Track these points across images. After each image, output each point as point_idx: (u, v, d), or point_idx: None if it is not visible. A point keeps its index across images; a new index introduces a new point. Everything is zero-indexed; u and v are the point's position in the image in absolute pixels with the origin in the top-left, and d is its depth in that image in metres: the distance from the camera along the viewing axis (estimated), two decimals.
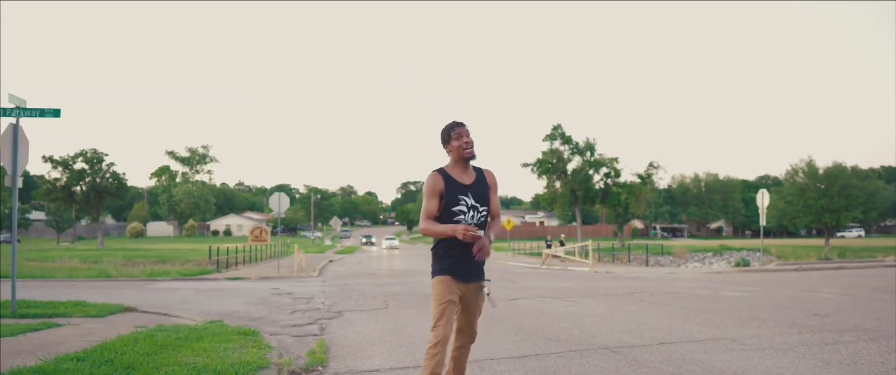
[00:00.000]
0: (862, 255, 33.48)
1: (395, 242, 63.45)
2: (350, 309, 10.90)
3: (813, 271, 22.47)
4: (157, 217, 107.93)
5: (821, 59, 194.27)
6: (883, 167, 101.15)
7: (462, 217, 3.81)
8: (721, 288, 14.67)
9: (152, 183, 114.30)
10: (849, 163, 53.72)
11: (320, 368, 5.87)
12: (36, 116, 9.73)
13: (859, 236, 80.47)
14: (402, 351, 6.66)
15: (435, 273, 3.93)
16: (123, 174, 58.13)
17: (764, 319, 8.69)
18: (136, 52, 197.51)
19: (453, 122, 3.89)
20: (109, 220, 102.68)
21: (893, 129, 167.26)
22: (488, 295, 3.99)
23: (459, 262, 3.86)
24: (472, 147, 3.88)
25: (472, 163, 3.97)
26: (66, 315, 9.05)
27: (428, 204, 3.84)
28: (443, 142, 3.92)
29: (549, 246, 34.71)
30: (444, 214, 3.83)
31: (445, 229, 3.70)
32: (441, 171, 3.88)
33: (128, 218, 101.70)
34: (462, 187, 3.85)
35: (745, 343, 6.74)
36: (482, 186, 3.94)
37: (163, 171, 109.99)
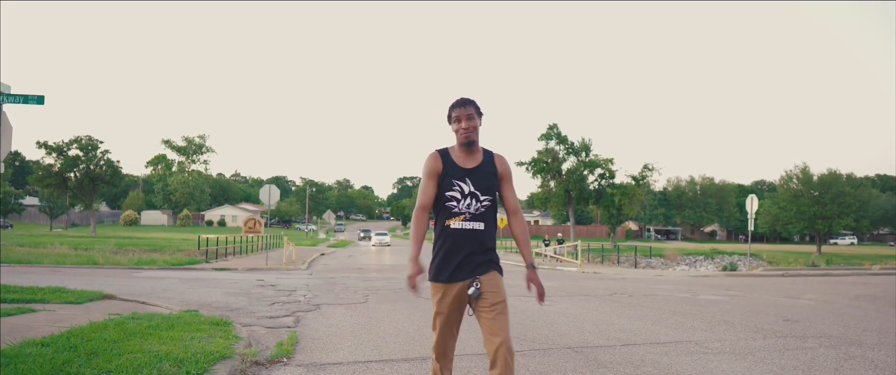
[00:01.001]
0: (852, 262, 33.67)
1: (387, 238, 55.42)
2: (329, 303, 10.97)
3: (798, 277, 22.59)
4: (151, 206, 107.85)
5: (820, 67, 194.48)
6: (878, 175, 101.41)
7: (455, 205, 3.39)
8: (702, 291, 14.77)
9: (148, 171, 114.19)
10: (844, 170, 53.94)
11: (285, 360, 5.95)
12: (19, 103, 9.75)
13: (852, 243, 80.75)
14: (369, 346, 6.74)
15: (432, 275, 3.50)
16: (118, 162, 58.05)
17: (733, 323, 8.78)
18: (136, 40, 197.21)
19: (456, 101, 3.49)
20: (104, 208, 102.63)
21: (889, 138, 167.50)
22: (472, 295, 3.39)
23: (448, 258, 3.42)
24: (471, 132, 3.44)
25: (486, 147, 3.59)
26: (43, 300, 9.12)
27: (424, 188, 3.47)
28: (449, 121, 3.56)
29: (546, 245, 34.84)
30: (438, 201, 3.45)
31: (414, 252, 3.33)
32: (442, 151, 3.51)
33: (122, 206, 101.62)
34: (459, 170, 3.43)
35: (708, 347, 6.83)
36: (487, 172, 3.47)
37: (159, 160, 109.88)
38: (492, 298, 3.36)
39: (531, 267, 3.51)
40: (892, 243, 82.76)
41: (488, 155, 3.55)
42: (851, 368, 5.87)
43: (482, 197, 3.41)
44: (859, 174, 64.42)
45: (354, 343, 6.87)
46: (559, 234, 41.85)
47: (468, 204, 3.40)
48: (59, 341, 5.67)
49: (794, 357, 6.31)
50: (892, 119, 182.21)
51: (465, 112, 3.44)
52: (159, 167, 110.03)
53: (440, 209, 3.46)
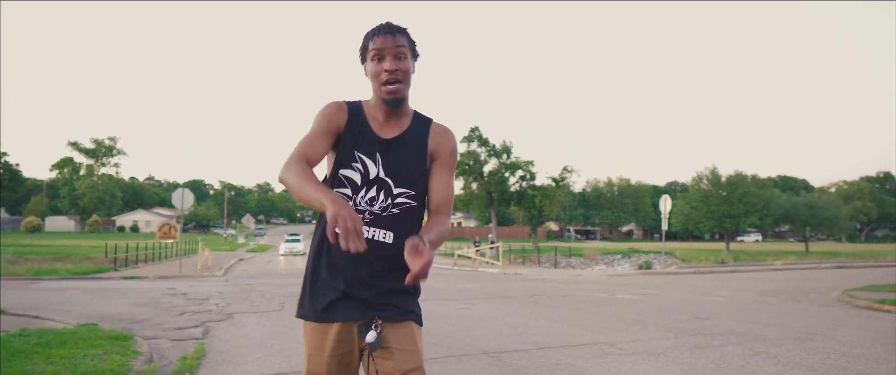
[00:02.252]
0: (757, 259, 35.45)
1: (299, 246, 41.45)
2: (242, 311, 10.55)
3: (709, 274, 23.55)
4: (57, 211, 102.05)
5: (727, 72, 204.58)
6: (779, 176, 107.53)
7: (346, 194, 2.09)
8: (618, 290, 15.11)
9: (53, 175, 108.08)
10: (749, 172, 56.91)
11: None
12: None
13: (757, 240, 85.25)
14: (279, 357, 6.46)
15: (299, 309, 2.20)
16: (17, 165, 54.65)
17: (647, 323, 8.97)
18: (38, 34, 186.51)
19: (377, 26, 2.13)
20: (3, 214, 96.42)
21: (789, 140, 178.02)
22: (369, 342, 2.04)
23: (328, 283, 2.10)
24: (400, 80, 2.08)
25: (421, 111, 2.25)
26: None
27: (310, 142, 2.11)
28: (361, 59, 2.17)
29: (477, 247, 35.03)
30: (329, 183, 2.17)
31: (314, 194, 1.88)
32: (353, 105, 2.19)
33: (24, 212, 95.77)
34: (370, 139, 2.12)
35: (622, 348, 6.91)
36: (414, 147, 2.15)
37: (65, 163, 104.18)
38: (401, 361, 2.03)
39: (422, 238, 1.91)
40: (791, 239, 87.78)
41: (421, 122, 2.21)
42: (756, 364, 6.05)
43: (396, 190, 2.10)
44: (763, 175, 68.05)
45: (264, 355, 6.58)
46: (490, 236, 42.15)
47: (371, 199, 2.09)
48: None
49: (704, 356, 6.45)
50: (791, 122, 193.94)
51: (391, 43, 2.06)
52: (66, 170, 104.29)
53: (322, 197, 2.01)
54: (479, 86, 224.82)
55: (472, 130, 50.06)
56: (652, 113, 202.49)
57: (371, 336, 2.02)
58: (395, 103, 2.10)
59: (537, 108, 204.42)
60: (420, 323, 2.15)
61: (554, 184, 50.54)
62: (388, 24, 2.13)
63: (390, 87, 2.07)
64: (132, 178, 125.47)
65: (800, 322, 9.24)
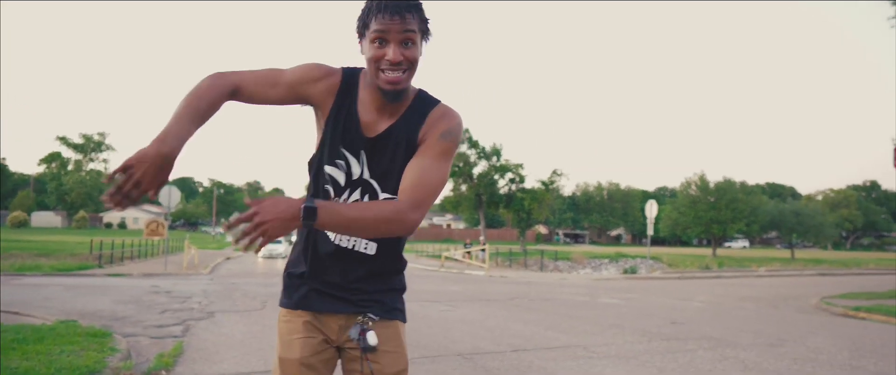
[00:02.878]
0: (742, 265, 35.78)
1: (280, 248, 39.02)
2: (224, 310, 10.59)
3: (693, 279, 23.76)
4: (44, 206, 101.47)
5: (719, 80, 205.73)
6: (767, 183, 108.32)
7: (329, 194, 1.90)
8: (601, 294, 15.24)
9: (41, 169, 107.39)
10: (737, 178, 57.38)
11: (163, 372, 5.67)
12: None
13: (744, 247, 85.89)
14: (256, 356, 6.52)
15: (280, 300, 2.04)
16: (3, 159, 54.32)
17: (623, 327, 9.09)
18: (27, 29, 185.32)
19: (381, 2, 1.71)
20: None
21: (777, 148, 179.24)
22: (357, 341, 1.91)
23: (314, 272, 1.94)
24: (404, 72, 1.74)
25: (417, 91, 1.91)
26: None
27: (265, 72, 1.84)
28: (358, 35, 1.81)
29: (468, 249, 35.16)
30: (312, 182, 1.95)
31: (169, 123, 1.62)
32: (348, 75, 1.88)
33: (10, 206, 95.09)
34: (356, 134, 1.85)
35: (596, 351, 7.02)
36: (403, 144, 1.85)
37: (53, 158, 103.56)
38: (387, 363, 1.92)
39: (307, 211, 1.54)
40: (779, 246, 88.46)
41: (421, 108, 1.87)
42: (723, 368, 6.17)
43: (382, 195, 1.87)
44: (751, 182, 68.64)
45: (242, 354, 6.64)
46: (481, 238, 42.25)
47: (350, 199, 1.89)
48: None
49: (674, 360, 6.57)
50: (780, 129, 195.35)
51: (399, 26, 1.70)
52: (53, 165, 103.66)
53: (309, 192, 1.99)
54: (470, 89, 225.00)
55: (463, 132, 50.25)
56: (643, 118, 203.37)
57: (372, 339, 1.88)
58: (394, 96, 1.79)
59: (528, 112, 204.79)
60: (405, 320, 2.03)
61: (543, 187, 50.70)
62: (398, 1, 1.71)
63: (391, 77, 1.73)
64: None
65: (774, 328, 9.39)
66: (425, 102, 1.87)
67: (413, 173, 1.75)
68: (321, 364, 1.94)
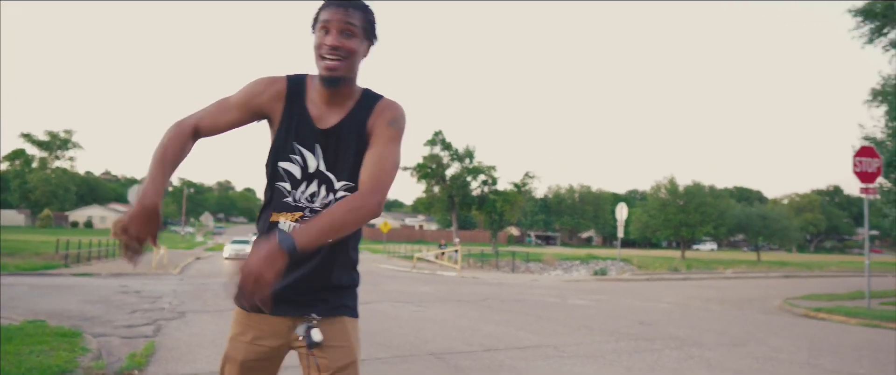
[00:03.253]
0: (710, 267, 36.42)
1: (247, 249, 31.82)
2: (196, 310, 10.54)
3: (661, 281, 24.14)
4: (6, 205, 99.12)
5: (689, 85, 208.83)
6: (735, 187, 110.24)
7: (286, 191, 1.98)
8: (571, 296, 15.44)
9: (4, 167, 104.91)
10: (706, 182, 58.40)
11: (136, 372, 5.67)
12: None
13: (712, 249, 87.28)
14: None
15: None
16: None
17: (592, 327, 9.26)
18: None
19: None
20: None
21: (744, 152, 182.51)
22: (305, 340, 1.97)
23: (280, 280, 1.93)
24: (341, 57, 1.90)
25: (363, 90, 2.03)
26: None
27: (218, 110, 2.01)
28: (312, 30, 1.98)
29: (443, 250, 35.21)
30: (268, 182, 2.03)
31: (147, 178, 1.86)
32: (294, 81, 2.02)
33: None
34: (307, 129, 1.97)
35: (565, 351, 7.16)
36: (354, 135, 1.97)
37: (17, 155, 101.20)
38: (334, 358, 1.98)
39: (280, 241, 1.65)
40: (745, 248, 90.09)
41: (367, 103, 2.01)
42: (688, 367, 6.36)
43: (338, 184, 1.98)
44: (720, 186, 69.87)
45: (215, 353, 6.64)
46: (456, 239, 42.35)
47: (312, 194, 1.98)
48: None
49: (641, 359, 6.74)
50: (748, 135, 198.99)
51: (341, 17, 1.90)
52: (17, 162, 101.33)
53: (266, 193, 2.06)
54: (443, 91, 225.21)
55: (436, 134, 50.23)
56: (614, 122, 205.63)
57: (316, 335, 1.95)
58: (332, 82, 1.91)
59: (501, 114, 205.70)
60: (354, 316, 2.07)
61: (515, 190, 51.00)
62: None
63: (329, 63, 1.89)
64: (88, 173, 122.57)
65: (737, 328, 9.65)
66: (370, 98, 2.02)
67: (369, 162, 1.90)
68: (264, 365, 2.03)
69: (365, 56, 1.97)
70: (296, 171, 1.97)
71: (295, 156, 1.97)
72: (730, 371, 6.24)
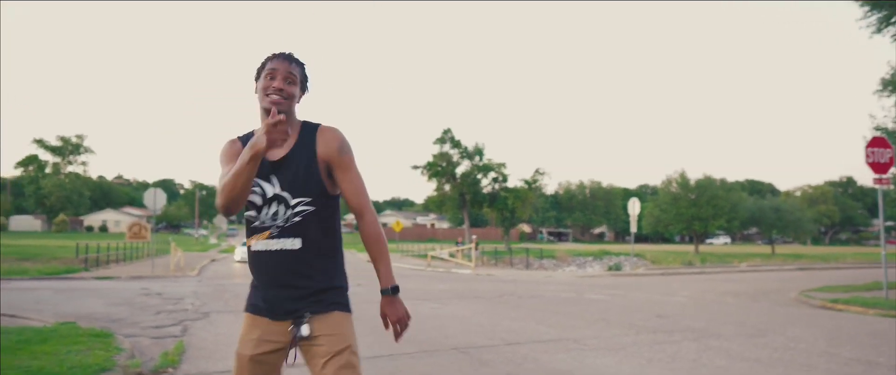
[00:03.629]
0: (724, 261, 36.34)
1: None
2: (218, 310, 10.74)
3: (676, 275, 24.18)
4: (22, 210, 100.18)
5: (699, 78, 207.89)
6: (747, 180, 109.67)
7: (252, 215, 2.36)
8: (587, 291, 15.54)
9: (18, 173, 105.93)
10: (718, 175, 58.17)
11: (171, 370, 5.84)
12: None
13: (725, 243, 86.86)
14: None
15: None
16: None
17: (610, 321, 9.37)
18: (3, 30, 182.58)
19: (275, 53, 2.42)
20: None
21: (756, 144, 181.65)
22: (298, 336, 2.28)
23: (261, 283, 2.39)
24: (284, 96, 2.33)
25: (308, 120, 2.45)
26: None
27: (221, 177, 2.39)
28: (256, 79, 2.44)
29: (459, 247, 35.46)
30: (244, 211, 2.44)
31: (237, 164, 2.22)
32: (244, 137, 2.50)
33: None
34: (263, 165, 2.34)
35: (585, 344, 7.28)
36: (303, 160, 2.34)
37: (30, 161, 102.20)
38: (331, 345, 2.26)
39: (388, 291, 2.34)
40: (759, 242, 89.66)
41: (309, 131, 2.40)
42: (708, 357, 6.46)
43: (293, 201, 2.31)
44: (731, 178, 69.58)
45: None
46: (473, 237, 42.51)
47: (274, 214, 2.32)
48: None
49: (661, 350, 6.85)
50: (760, 126, 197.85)
51: (285, 68, 2.36)
52: (31, 168, 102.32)
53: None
54: (452, 88, 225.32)
55: (445, 132, 50.39)
56: (623, 116, 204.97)
57: (305, 330, 2.25)
58: (274, 113, 2.25)
59: (510, 111, 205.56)
60: (348, 310, 2.37)
61: (526, 186, 51.07)
62: (289, 53, 2.43)
63: (274, 97, 2.31)
64: (101, 177, 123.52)
65: (755, 320, 9.73)
66: (309, 127, 2.42)
67: (349, 190, 2.37)
68: (269, 359, 2.35)
69: (299, 102, 2.42)
70: (257, 200, 2.34)
71: (255, 189, 2.34)
72: (749, 360, 6.34)
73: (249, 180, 2.20)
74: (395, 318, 2.33)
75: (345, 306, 2.36)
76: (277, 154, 2.35)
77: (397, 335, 2.35)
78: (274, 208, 2.32)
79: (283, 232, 2.31)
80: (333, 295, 2.35)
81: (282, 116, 2.16)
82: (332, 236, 2.40)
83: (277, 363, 2.37)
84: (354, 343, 2.31)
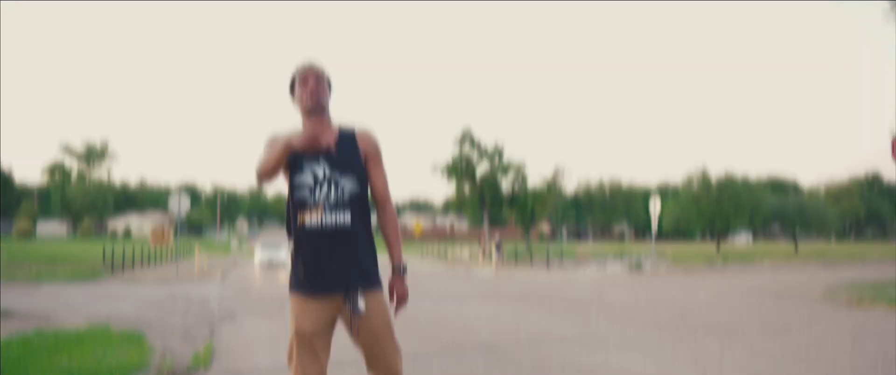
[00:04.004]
0: (747, 259, 36.00)
1: (282, 255, 29.87)
2: (245, 312, 10.91)
3: (698, 274, 24.00)
4: (48, 215, 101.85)
5: (719, 72, 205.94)
6: (769, 177, 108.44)
7: (306, 195, 2.67)
8: (609, 290, 15.54)
9: (44, 179, 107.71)
10: (739, 170, 57.63)
11: (202, 369, 5.98)
12: None
13: (747, 241, 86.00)
14: (287, 351, 6.82)
15: (289, 287, 2.79)
16: (9, 169, 54.56)
17: (634, 319, 9.40)
18: (25, 35, 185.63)
19: (302, 65, 2.83)
20: None
21: (777, 138, 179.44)
22: (354, 312, 2.63)
23: (311, 265, 2.68)
24: (321, 93, 2.76)
25: (340, 122, 2.88)
26: None
27: (261, 157, 2.79)
28: (291, 96, 2.86)
29: (481, 247, 35.58)
30: (290, 192, 2.78)
31: (275, 150, 2.64)
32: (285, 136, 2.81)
33: (16, 216, 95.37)
34: (314, 152, 2.70)
35: (609, 341, 7.33)
36: (350, 150, 2.76)
37: (56, 168, 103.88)
38: (373, 321, 2.68)
39: (398, 271, 2.79)
40: (782, 240, 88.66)
41: (346, 130, 2.83)
42: (733, 355, 6.48)
43: (343, 182, 2.68)
44: (752, 174, 68.89)
45: (272, 349, 6.94)
46: (497, 236, 42.52)
47: (326, 193, 2.66)
48: None
49: (685, 348, 6.88)
50: (782, 121, 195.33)
51: (317, 73, 2.77)
52: (57, 174, 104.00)
53: (289, 203, 2.78)
54: (472, 86, 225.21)
55: (464, 132, 50.41)
56: (642, 113, 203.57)
57: (362, 305, 2.61)
58: (317, 108, 2.74)
59: (529, 109, 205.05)
60: (383, 289, 2.77)
61: (546, 186, 50.96)
62: (308, 64, 2.82)
63: (312, 99, 2.72)
64: (124, 182, 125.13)
65: (779, 317, 9.69)
66: (347, 128, 2.84)
67: (377, 182, 2.84)
68: (324, 331, 2.70)
69: (330, 98, 2.84)
70: (310, 180, 2.69)
71: (306, 170, 2.71)
72: (774, 357, 6.35)
73: (277, 166, 2.63)
74: (401, 293, 2.78)
75: (381, 284, 2.77)
76: (326, 143, 2.70)
77: (397, 309, 2.77)
78: (326, 188, 2.68)
79: (335, 208, 2.66)
80: (377, 274, 2.75)
81: (331, 143, 2.69)
82: (369, 219, 2.79)
83: (331, 335, 2.73)
84: (392, 318, 2.77)
